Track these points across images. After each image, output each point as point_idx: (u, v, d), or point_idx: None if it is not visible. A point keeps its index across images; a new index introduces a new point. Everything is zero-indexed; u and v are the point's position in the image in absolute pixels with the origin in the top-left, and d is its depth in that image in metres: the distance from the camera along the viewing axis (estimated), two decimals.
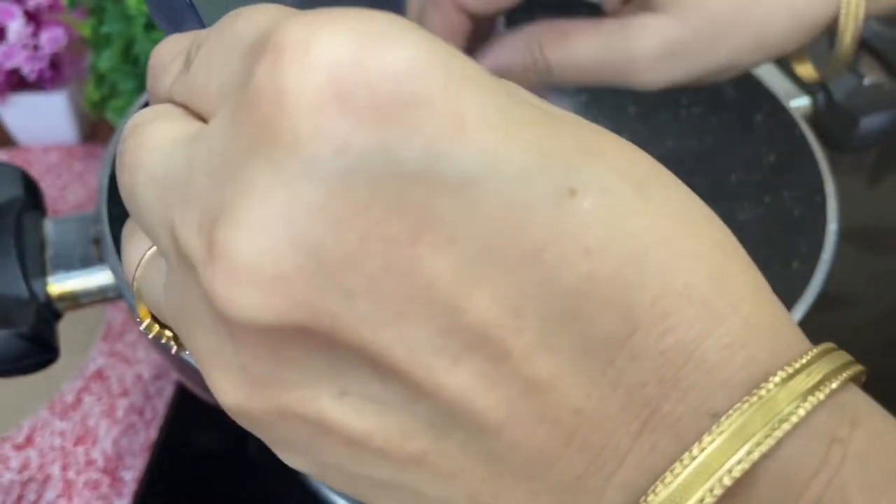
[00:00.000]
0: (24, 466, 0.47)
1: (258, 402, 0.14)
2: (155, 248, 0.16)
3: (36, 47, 0.62)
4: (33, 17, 0.62)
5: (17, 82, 0.64)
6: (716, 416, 0.13)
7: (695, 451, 0.12)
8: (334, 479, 0.15)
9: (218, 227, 0.12)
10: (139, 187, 0.15)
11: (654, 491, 0.13)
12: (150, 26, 0.56)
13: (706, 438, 0.12)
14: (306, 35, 0.12)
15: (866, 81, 0.48)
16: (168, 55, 0.16)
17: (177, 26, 0.19)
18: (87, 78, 0.61)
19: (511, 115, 0.12)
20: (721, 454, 0.12)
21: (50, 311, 0.35)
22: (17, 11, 0.61)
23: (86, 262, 0.36)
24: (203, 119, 0.15)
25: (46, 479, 0.47)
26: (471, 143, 0.12)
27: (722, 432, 0.12)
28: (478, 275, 0.12)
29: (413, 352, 0.12)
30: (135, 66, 0.57)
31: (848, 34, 0.32)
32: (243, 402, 0.14)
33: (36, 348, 0.32)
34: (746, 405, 0.13)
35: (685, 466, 0.12)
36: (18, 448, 0.48)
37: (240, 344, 0.13)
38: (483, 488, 0.14)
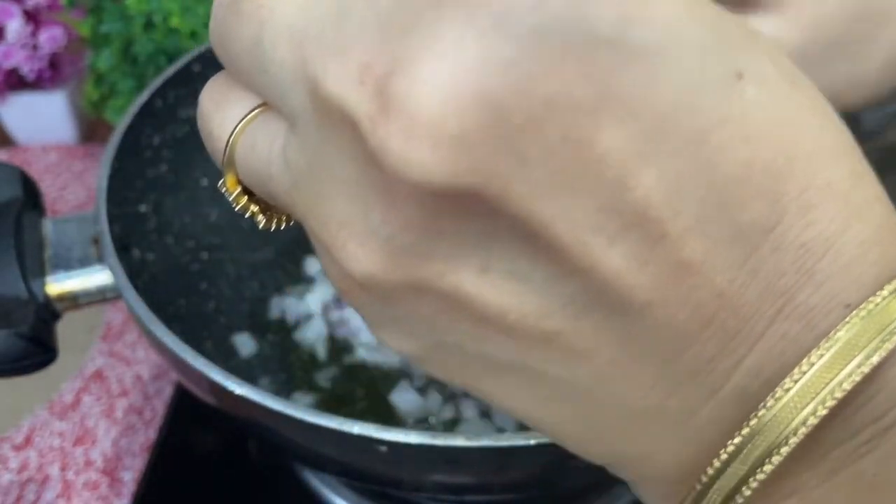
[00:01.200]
0: (23, 467, 0.47)
1: (393, 274, 0.13)
2: (258, 110, 0.15)
3: (35, 47, 0.62)
4: (32, 17, 0.62)
5: (16, 82, 0.64)
6: (849, 308, 0.13)
7: (828, 342, 0.13)
8: (442, 362, 0.15)
9: (394, 79, 0.12)
10: (267, 38, 0.13)
11: (786, 382, 0.13)
12: (149, 26, 0.56)
13: (840, 327, 0.13)
14: None
15: None
16: None
17: None
18: (86, 77, 0.61)
19: None
20: (854, 342, 0.13)
21: (49, 312, 0.35)
22: (16, 11, 0.61)
23: (85, 263, 0.36)
24: None
25: (45, 480, 0.47)
26: (660, 13, 0.12)
27: (855, 323, 0.13)
28: (648, 152, 0.12)
29: (574, 227, 0.12)
30: (134, 66, 0.57)
31: None
32: (377, 273, 0.13)
33: (35, 348, 0.32)
34: (879, 298, 0.13)
35: (821, 355, 0.13)
36: (17, 448, 0.48)
37: (393, 209, 0.12)
38: (609, 370, 0.13)
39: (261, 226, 0.16)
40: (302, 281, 0.53)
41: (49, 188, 0.64)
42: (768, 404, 0.13)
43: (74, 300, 0.35)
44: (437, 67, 0.11)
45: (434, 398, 0.46)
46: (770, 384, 0.13)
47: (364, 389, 0.47)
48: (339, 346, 0.49)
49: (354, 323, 0.50)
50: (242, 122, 0.15)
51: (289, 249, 0.54)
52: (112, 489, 0.46)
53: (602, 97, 0.12)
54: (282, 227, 0.17)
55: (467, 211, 0.12)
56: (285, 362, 0.48)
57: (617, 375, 0.14)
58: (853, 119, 0.46)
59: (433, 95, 0.11)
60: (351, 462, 0.32)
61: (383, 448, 0.29)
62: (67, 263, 0.36)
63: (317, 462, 0.37)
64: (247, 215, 0.16)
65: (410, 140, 0.12)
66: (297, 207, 0.14)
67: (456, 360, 0.14)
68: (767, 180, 0.12)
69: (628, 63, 0.12)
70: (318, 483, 0.45)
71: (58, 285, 0.35)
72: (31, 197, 0.37)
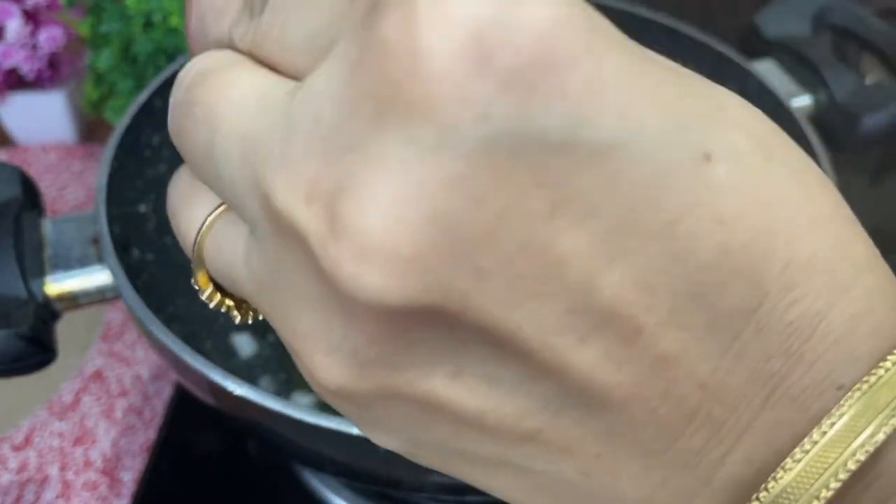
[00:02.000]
0: (22, 467, 0.47)
1: (364, 384, 0.13)
2: (221, 209, 0.15)
3: (34, 47, 0.62)
4: (32, 17, 0.62)
5: (16, 82, 0.64)
6: (842, 389, 0.12)
7: (825, 425, 0.12)
8: (428, 456, 0.15)
9: (342, 201, 0.11)
10: (218, 146, 0.13)
11: (783, 468, 0.12)
12: (148, 26, 0.56)
13: (835, 411, 0.12)
14: None
15: (868, 80, 0.47)
16: None
17: None
18: (86, 77, 0.61)
19: (646, 75, 0.12)
20: (852, 427, 0.12)
21: (48, 312, 0.35)
22: (16, 11, 0.61)
23: (84, 263, 0.36)
24: (279, 72, 0.13)
25: (45, 480, 0.46)
26: (612, 108, 0.11)
27: (851, 404, 0.12)
28: (612, 250, 0.12)
29: (541, 331, 0.12)
30: (133, 66, 0.57)
31: None
32: (346, 384, 0.13)
33: (34, 349, 0.32)
34: (874, 377, 0.12)
35: (815, 442, 0.12)
36: (17, 449, 0.48)
37: (354, 325, 0.12)
38: (595, 464, 0.13)
39: (236, 321, 0.16)
40: None
41: (48, 188, 0.64)
42: (769, 486, 0.12)
43: (74, 300, 0.35)
44: (383, 189, 0.11)
45: None
46: (763, 472, 0.13)
47: None
48: None
49: None
50: (206, 224, 0.15)
51: None
52: (112, 489, 0.46)
53: (557, 203, 0.11)
54: (259, 319, 0.16)
55: (431, 324, 0.12)
56: (285, 362, 0.48)
57: (603, 469, 0.13)
58: (854, 120, 0.46)
59: (381, 217, 0.11)
60: (351, 462, 0.32)
61: (383, 448, 0.29)
62: (67, 263, 0.36)
63: (317, 462, 0.37)
64: (222, 310, 0.16)
65: (361, 263, 0.11)
66: (265, 313, 0.14)
67: (442, 455, 0.14)
68: (746, 262, 0.12)
69: (582, 165, 0.11)
70: (318, 483, 0.45)
71: (57, 285, 0.35)
72: (30, 197, 0.37)
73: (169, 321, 0.33)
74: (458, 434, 0.13)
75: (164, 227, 0.47)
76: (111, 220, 0.37)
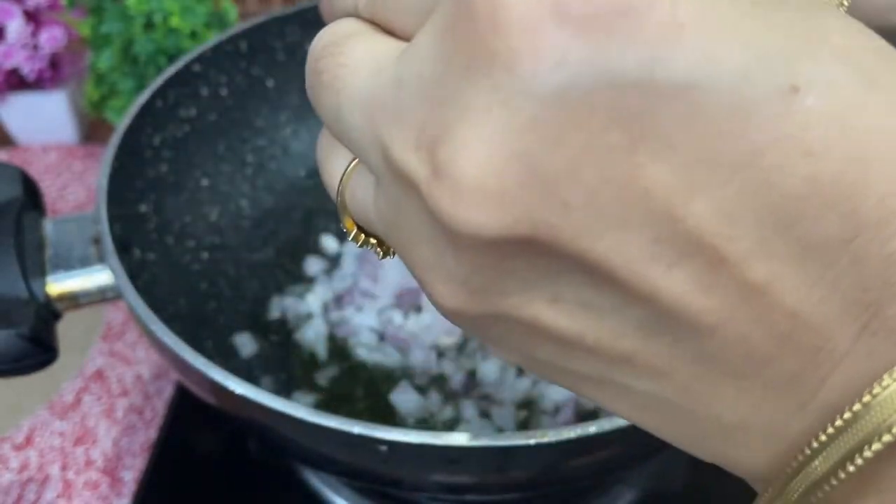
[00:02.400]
0: (23, 466, 0.47)
1: (476, 308, 0.14)
2: (356, 162, 0.16)
3: (35, 47, 0.62)
4: (33, 17, 0.62)
5: (17, 82, 0.64)
6: None
7: None
8: (544, 371, 0.16)
9: (440, 147, 0.13)
10: (344, 107, 0.15)
11: (870, 392, 0.12)
12: (149, 26, 0.56)
13: None
14: None
15: None
16: None
17: None
18: (87, 78, 0.61)
19: (727, 11, 0.12)
20: None
21: (49, 311, 0.35)
22: (17, 11, 0.61)
23: (85, 263, 0.36)
24: (397, 36, 0.15)
25: (46, 480, 0.47)
26: (688, 47, 0.12)
27: None
28: (694, 182, 0.12)
29: (629, 260, 0.13)
30: (134, 66, 0.57)
31: None
32: (462, 307, 0.15)
33: (35, 348, 0.32)
34: None
35: None
36: (18, 448, 0.48)
37: (461, 256, 0.14)
38: (693, 384, 0.14)
39: (380, 257, 0.18)
40: (302, 281, 0.53)
41: (49, 188, 0.64)
42: (864, 399, 0.12)
43: (75, 300, 0.35)
44: (472, 133, 0.12)
45: (434, 398, 0.46)
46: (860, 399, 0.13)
47: (364, 389, 0.47)
48: (339, 346, 0.49)
49: (354, 322, 0.50)
50: (345, 175, 0.17)
51: (289, 249, 0.54)
52: (112, 489, 0.46)
53: (636, 137, 0.12)
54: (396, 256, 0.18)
55: (527, 253, 0.13)
56: (285, 362, 0.48)
57: (700, 391, 0.14)
58: None
59: (470, 159, 0.12)
60: (351, 462, 0.32)
61: (383, 448, 0.29)
62: (68, 263, 0.36)
63: (317, 462, 0.37)
64: (367, 248, 0.18)
65: (457, 201, 0.13)
66: (395, 248, 0.16)
67: (554, 371, 0.15)
68: (837, 194, 0.12)
69: (660, 101, 0.12)
70: (318, 483, 0.45)
71: (58, 285, 0.35)
72: (31, 197, 0.37)
73: (169, 321, 0.33)
74: (563, 353, 0.15)
75: (164, 226, 0.47)
76: (112, 220, 0.37)
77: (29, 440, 0.48)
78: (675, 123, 0.12)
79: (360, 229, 0.18)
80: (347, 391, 0.47)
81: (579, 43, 0.12)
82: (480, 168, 0.12)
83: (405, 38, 0.15)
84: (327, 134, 0.17)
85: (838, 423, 0.13)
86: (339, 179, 0.17)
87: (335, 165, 0.17)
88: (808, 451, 0.13)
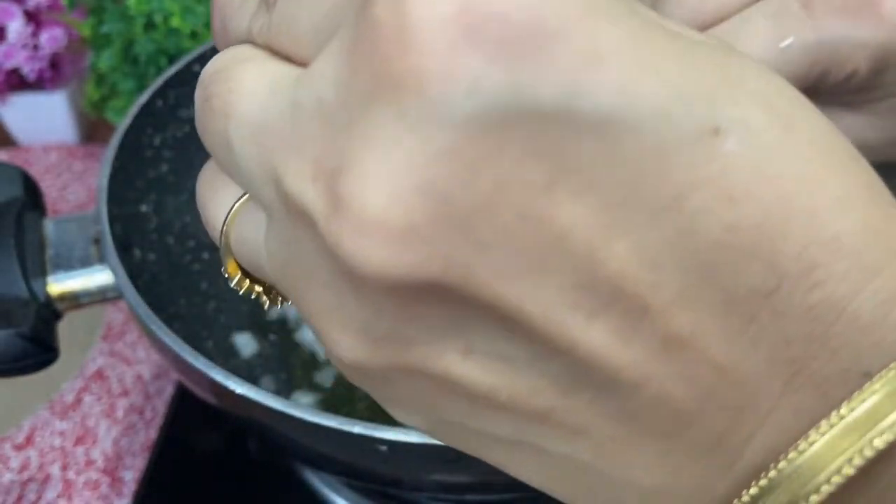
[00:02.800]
0: (23, 466, 0.47)
1: (378, 360, 0.13)
2: (245, 198, 0.15)
3: (36, 47, 0.62)
4: (33, 17, 0.62)
5: (17, 82, 0.64)
6: (868, 376, 0.12)
7: (843, 409, 0.12)
8: (448, 435, 0.15)
9: (341, 179, 0.12)
10: (234, 135, 0.14)
11: (796, 448, 0.12)
12: (149, 26, 0.56)
13: (857, 397, 0.12)
14: None
15: None
16: None
17: None
18: (87, 78, 0.61)
19: (648, 45, 0.11)
20: (872, 415, 0.12)
21: (50, 311, 0.35)
22: (17, 11, 0.61)
23: (85, 262, 0.36)
24: (293, 61, 0.14)
25: (46, 479, 0.47)
26: (609, 78, 0.11)
27: (875, 392, 0.12)
28: (615, 223, 0.11)
29: (547, 307, 0.12)
30: (134, 66, 0.57)
31: None
32: (362, 359, 0.13)
33: (35, 348, 0.32)
34: None
35: (832, 425, 0.12)
36: (18, 448, 0.48)
37: (363, 300, 0.12)
38: (609, 446, 0.13)
39: (266, 307, 0.17)
40: None
41: (50, 188, 0.64)
42: (790, 456, 0.12)
43: (75, 300, 0.35)
44: (376, 164, 0.11)
45: None
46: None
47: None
48: None
49: None
50: (231, 213, 0.15)
51: None
52: (113, 489, 0.46)
53: (555, 173, 0.11)
54: (288, 304, 0.17)
55: (436, 297, 0.12)
56: (286, 362, 0.48)
57: (619, 452, 0.13)
58: None
59: (375, 191, 0.11)
60: (351, 461, 0.33)
61: (383, 447, 0.29)
62: (68, 263, 0.36)
63: (317, 461, 0.37)
64: (252, 296, 0.17)
65: (361, 238, 0.11)
66: (286, 294, 0.15)
67: (462, 434, 0.14)
68: (759, 242, 0.11)
69: (580, 134, 0.11)
70: (318, 482, 0.45)
71: (59, 285, 0.35)
72: (31, 197, 0.37)
73: (170, 321, 0.33)
74: (473, 412, 0.13)
75: (165, 226, 0.47)
76: (112, 220, 0.37)
77: (29, 440, 0.48)
78: (594, 160, 0.11)
79: (245, 274, 0.16)
80: (348, 391, 0.47)
81: (493, 67, 0.11)
82: (385, 201, 0.11)
83: (303, 64, 0.14)
84: (212, 167, 0.16)
85: (763, 482, 0.12)
86: (223, 218, 0.15)
87: (220, 202, 0.15)
88: (745, 498, 0.13)
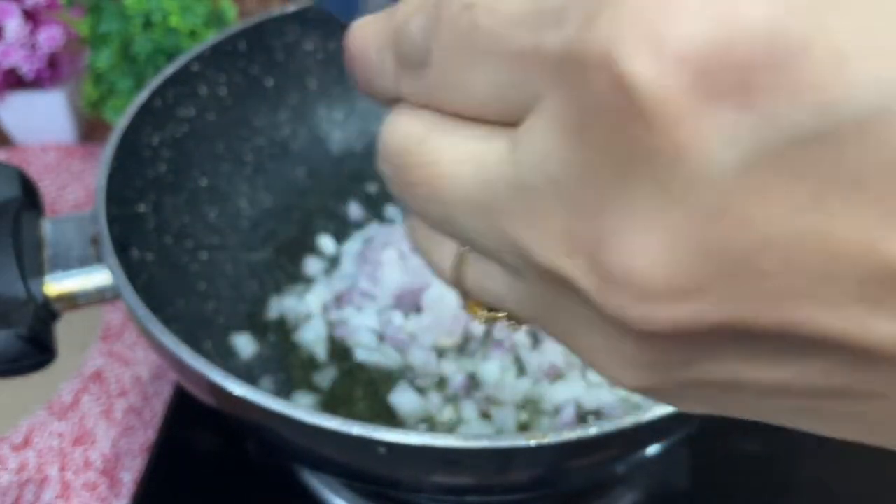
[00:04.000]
0: (21, 467, 0.47)
1: (664, 384, 0.14)
2: (467, 249, 0.16)
3: (34, 46, 0.62)
4: (31, 16, 0.62)
5: (15, 81, 0.64)
6: None
7: None
8: (736, 412, 0.15)
9: (604, 254, 0.12)
10: (457, 215, 0.14)
11: None
12: (148, 25, 0.56)
13: None
14: (646, 20, 0.11)
15: None
16: (372, 46, 0.16)
17: (350, 8, 0.18)
18: (85, 77, 0.61)
19: (880, 26, 0.11)
20: None
21: (47, 312, 0.34)
22: (15, 10, 0.61)
23: (84, 263, 0.36)
24: (459, 116, 0.14)
25: (44, 481, 0.46)
26: (859, 77, 0.10)
27: None
28: (890, 213, 0.11)
29: (836, 317, 0.11)
30: (133, 65, 0.57)
31: None
32: (646, 385, 0.14)
33: (33, 349, 0.32)
34: None
35: None
36: (16, 449, 0.48)
37: (648, 349, 0.13)
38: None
39: (513, 331, 0.18)
40: (301, 281, 0.53)
41: (48, 188, 0.64)
42: None
43: (73, 300, 0.35)
44: (645, 235, 0.12)
45: (434, 399, 0.46)
46: None
47: (364, 390, 0.47)
48: (338, 347, 0.49)
49: (354, 323, 0.50)
50: (458, 261, 0.16)
51: (288, 249, 0.54)
52: (111, 490, 0.46)
53: (821, 186, 0.11)
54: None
55: (723, 335, 0.12)
56: (285, 363, 0.48)
57: None
58: None
59: (652, 260, 0.12)
60: (350, 463, 0.32)
61: (383, 449, 0.29)
62: (66, 263, 0.36)
63: (316, 463, 0.37)
64: (497, 325, 0.17)
65: (646, 304, 0.12)
66: (550, 334, 0.15)
67: (750, 411, 0.15)
68: None
69: (841, 142, 0.11)
70: (317, 483, 0.45)
71: (56, 285, 0.35)
72: (29, 197, 0.37)
73: (168, 321, 0.33)
74: (762, 399, 0.14)
75: (163, 227, 0.47)
76: (111, 220, 0.37)
77: (27, 441, 0.48)
78: (860, 159, 0.11)
79: (487, 308, 0.17)
80: (347, 392, 0.47)
81: (746, 113, 0.10)
82: (666, 267, 0.12)
83: (470, 117, 0.14)
84: (424, 225, 0.17)
85: None
86: (450, 266, 0.16)
87: (443, 254, 0.16)
88: None
